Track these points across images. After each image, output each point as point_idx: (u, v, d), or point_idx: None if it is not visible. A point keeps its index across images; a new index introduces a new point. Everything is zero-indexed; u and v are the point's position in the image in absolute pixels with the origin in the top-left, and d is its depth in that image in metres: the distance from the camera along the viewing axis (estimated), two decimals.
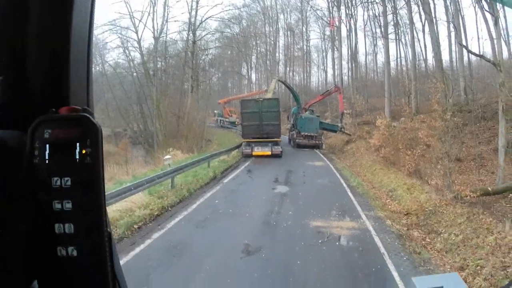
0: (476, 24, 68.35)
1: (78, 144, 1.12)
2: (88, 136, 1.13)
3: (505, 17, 35.14)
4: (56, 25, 1.28)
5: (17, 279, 1.12)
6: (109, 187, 15.80)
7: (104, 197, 1.16)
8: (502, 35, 31.55)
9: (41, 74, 1.29)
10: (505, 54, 32.57)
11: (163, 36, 47.34)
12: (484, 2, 30.47)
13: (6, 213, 1.10)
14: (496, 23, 25.56)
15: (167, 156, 22.27)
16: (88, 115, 1.16)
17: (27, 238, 1.10)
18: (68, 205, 1.10)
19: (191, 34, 47.07)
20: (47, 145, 1.12)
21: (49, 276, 1.12)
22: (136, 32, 45.73)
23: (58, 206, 1.09)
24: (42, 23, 1.27)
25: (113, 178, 23.21)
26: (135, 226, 12.30)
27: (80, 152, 1.12)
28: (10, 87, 1.26)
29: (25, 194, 1.11)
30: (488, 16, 30.05)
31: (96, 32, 42.60)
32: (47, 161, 1.11)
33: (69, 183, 1.10)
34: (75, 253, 1.09)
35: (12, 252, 1.10)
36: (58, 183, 1.10)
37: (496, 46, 27.42)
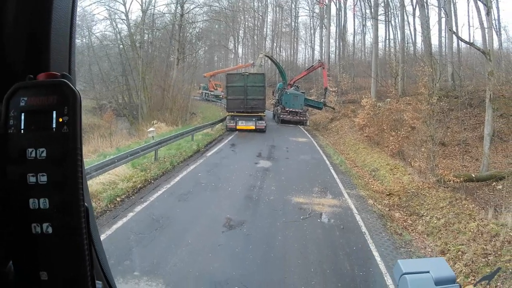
0: (468, 12, 68.34)
1: (54, 112, 1.06)
2: (65, 103, 1.07)
3: (497, 7, 35.42)
4: None
5: None
6: (93, 160, 15.74)
7: (82, 169, 1.10)
8: (494, 25, 31.76)
9: (20, 41, 1.24)
10: (495, 44, 32.88)
11: (151, 9, 46.63)
12: None
13: None
14: (488, 13, 25.53)
15: (151, 129, 22.21)
16: (66, 81, 1.10)
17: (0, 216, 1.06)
18: (43, 178, 1.04)
19: (179, 7, 46.47)
20: (22, 114, 1.06)
21: (24, 256, 1.07)
22: (124, 5, 45.17)
23: (32, 179, 1.04)
24: None
25: (97, 150, 23.09)
26: (118, 199, 12.26)
27: (56, 121, 1.06)
28: None
29: None
30: (481, 5, 30.08)
31: (83, 4, 42.58)
32: (22, 131, 1.06)
33: (44, 154, 1.05)
34: (50, 230, 1.05)
35: None
36: (33, 154, 1.05)
37: (487, 35, 27.51)
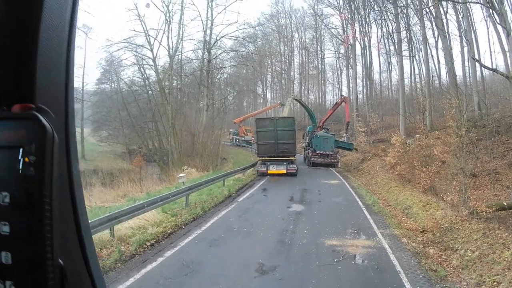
0: (488, 38, 67.68)
1: (21, 150, 0.93)
2: (33, 140, 0.93)
3: None
4: (22, 17, 1.07)
5: None
6: (122, 204, 15.86)
7: (51, 220, 0.94)
8: None
9: (4, 70, 1.06)
10: None
11: (178, 55, 47.69)
12: (495, 16, 30.43)
13: None
14: (508, 35, 25.44)
15: (182, 174, 22.27)
16: (37, 114, 0.96)
17: None
18: (6, 229, 0.91)
19: (206, 53, 47.30)
20: None
21: None
22: (151, 50, 46.08)
23: None
24: (7, 12, 1.07)
25: (127, 195, 23.41)
26: (147, 244, 12.28)
27: (23, 161, 0.92)
28: None
29: None
30: (500, 29, 30.01)
31: (111, 49, 44.71)
32: None
33: (7, 200, 0.91)
34: None
35: None
36: None
37: (509, 59, 27.35)
